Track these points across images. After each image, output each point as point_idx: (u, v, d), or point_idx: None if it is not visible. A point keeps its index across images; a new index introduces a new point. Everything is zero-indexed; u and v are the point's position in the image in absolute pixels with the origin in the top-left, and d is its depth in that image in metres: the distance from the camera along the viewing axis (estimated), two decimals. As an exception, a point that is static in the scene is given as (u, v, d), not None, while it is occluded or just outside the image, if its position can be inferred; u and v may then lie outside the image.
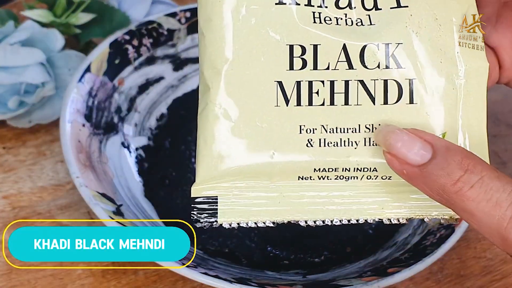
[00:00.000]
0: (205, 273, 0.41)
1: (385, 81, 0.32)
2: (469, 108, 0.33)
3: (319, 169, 0.33)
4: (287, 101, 0.32)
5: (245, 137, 0.32)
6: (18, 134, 0.54)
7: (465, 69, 0.33)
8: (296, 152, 0.32)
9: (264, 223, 0.33)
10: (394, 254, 0.46)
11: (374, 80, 0.32)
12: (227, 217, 0.33)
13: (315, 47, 0.32)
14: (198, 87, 0.34)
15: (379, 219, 0.34)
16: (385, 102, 0.32)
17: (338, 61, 0.32)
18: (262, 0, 0.32)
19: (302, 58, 0.32)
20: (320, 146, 0.32)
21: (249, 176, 0.33)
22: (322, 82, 0.32)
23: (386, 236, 0.49)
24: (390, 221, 0.34)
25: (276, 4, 0.32)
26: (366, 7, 0.33)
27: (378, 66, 0.32)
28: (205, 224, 0.33)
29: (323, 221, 0.33)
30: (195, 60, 0.56)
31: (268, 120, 0.32)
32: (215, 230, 0.48)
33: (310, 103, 0.32)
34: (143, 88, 0.54)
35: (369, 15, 0.33)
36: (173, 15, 0.55)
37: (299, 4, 0.32)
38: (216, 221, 0.33)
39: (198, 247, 0.47)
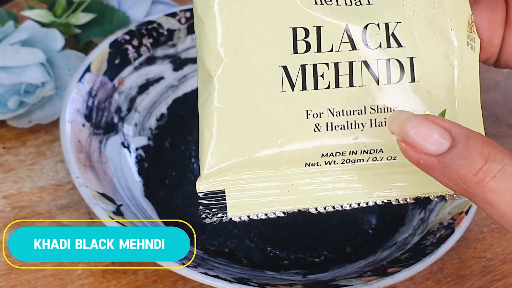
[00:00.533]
0: (205, 273, 0.41)
1: (387, 61, 0.32)
2: (465, 84, 0.33)
3: (327, 154, 0.32)
4: (292, 86, 0.31)
5: (251, 126, 0.31)
6: (18, 134, 0.54)
7: (458, 46, 0.33)
8: (304, 138, 0.31)
9: (274, 213, 0.32)
10: (394, 254, 0.46)
11: (377, 60, 0.32)
12: (236, 211, 0.32)
13: (318, 29, 0.31)
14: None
15: (388, 200, 0.33)
16: (388, 82, 0.32)
17: (341, 43, 0.32)
18: None
19: (305, 41, 0.31)
20: (327, 130, 0.32)
21: (256, 166, 0.32)
22: (327, 64, 0.31)
23: (386, 236, 0.49)
24: (399, 202, 0.33)
25: None
26: None
27: (380, 46, 0.32)
28: (215, 220, 0.32)
29: (333, 207, 0.33)
30: (195, 60, 0.56)
31: (274, 107, 0.31)
32: (215, 230, 0.48)
33: (316, 86, 0.31)
34: (143, 88, 0.54)
35: None
36: (173, 15, 0.55)
37: None
38: (225, 215, 0.32)
39: (198, 247, 0.47)
